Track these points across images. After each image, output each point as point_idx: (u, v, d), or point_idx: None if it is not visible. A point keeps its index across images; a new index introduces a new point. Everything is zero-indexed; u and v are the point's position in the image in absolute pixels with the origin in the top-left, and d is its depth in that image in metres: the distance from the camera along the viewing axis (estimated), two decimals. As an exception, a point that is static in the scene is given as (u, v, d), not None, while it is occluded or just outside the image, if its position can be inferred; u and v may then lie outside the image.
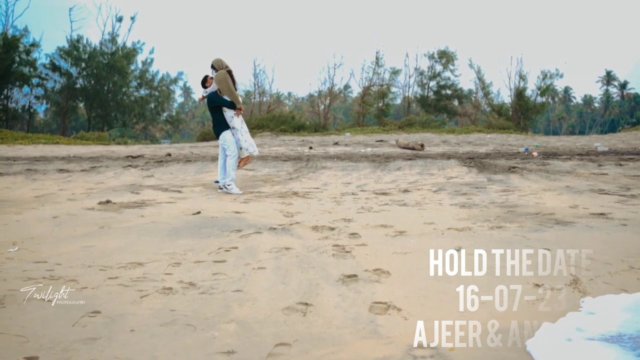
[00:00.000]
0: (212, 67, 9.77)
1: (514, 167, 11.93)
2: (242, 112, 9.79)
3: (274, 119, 38.98)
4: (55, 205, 8.08)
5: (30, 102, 49.79)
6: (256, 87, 47.63)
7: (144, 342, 2.77)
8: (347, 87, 49.09)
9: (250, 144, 9.83)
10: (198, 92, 45.02)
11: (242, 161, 9.90)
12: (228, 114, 9.66)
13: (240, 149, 9.74)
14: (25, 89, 48.53)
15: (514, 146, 21.40)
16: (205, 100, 9.90)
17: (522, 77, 43.56)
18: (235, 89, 9.68)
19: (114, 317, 3.11)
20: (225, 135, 9.63)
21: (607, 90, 67.72)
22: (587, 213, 6.52)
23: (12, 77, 45.92)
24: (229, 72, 9.59)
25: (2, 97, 46.51)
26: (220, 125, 9.69)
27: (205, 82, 9.95)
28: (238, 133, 9.68)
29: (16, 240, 5.31)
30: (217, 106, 9.65)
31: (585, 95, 71.83)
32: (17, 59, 46.21)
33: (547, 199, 7.87)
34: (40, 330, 2.90)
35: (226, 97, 9.63)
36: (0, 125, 43.18)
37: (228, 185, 9.57)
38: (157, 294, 3.54)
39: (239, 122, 9.72)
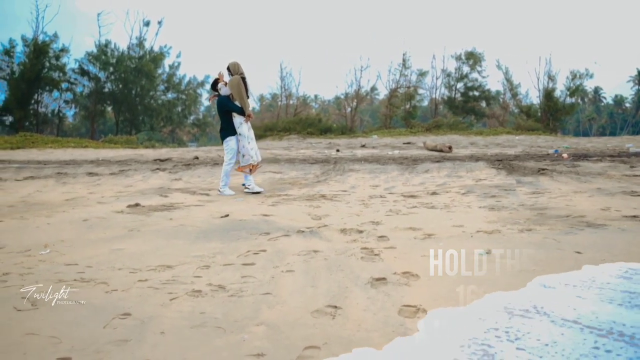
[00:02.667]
0: (228, 69, 9.89)
1: (543, 169, 11.79)
2: (251, 118, 9.89)
3: (300, 121, 39.11)
4: (85, 208, 8.16)
5: (59, 107, 50.63)
6: (283, 89, 47.85)
7: (174, 344, 2.78)
8: (373, 89, 49.07)
9: (255, 152, 9.96)
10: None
11: (254, 168, 10.02)
12: (237, 119, 9.80)
13: (244, 156, 9.86)
14: (55, 93, 49.44)
15: (543, 148, 21.18)
16: (216, 103, 10.04)
17: (550, 78, 43.16)
18: (247, 96, 9.79)
19: (144, 319, 3.13)
20: (229, 141, 9.82)
21: (638, 90, 66.61)
22: (619, 215, 6.41)
23: (42, 82, 46.66)
24: (243, 79, 9.70)
25: (33, 101, 47.24)
26: (227, 130, 9.88)
27: (215, 85, 10.10)
28: (244, 140, 9.80)
29: (48, 243, 5.37)
30: (227, 111, 9.76)
31: (616, 96, 70.87)
32: (47, 64, 47.00)
33: (577, 201, 7.75)
34: (72, 332, 2.92)
35: (237, 103, 9.72)
36: (31, 129, 43.91)
37: (222, 188, 9.74)
38: (187, 297, 3.55)
39: (247, 129, 9.83)
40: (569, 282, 3.69)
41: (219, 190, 9.81)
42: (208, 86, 9.99)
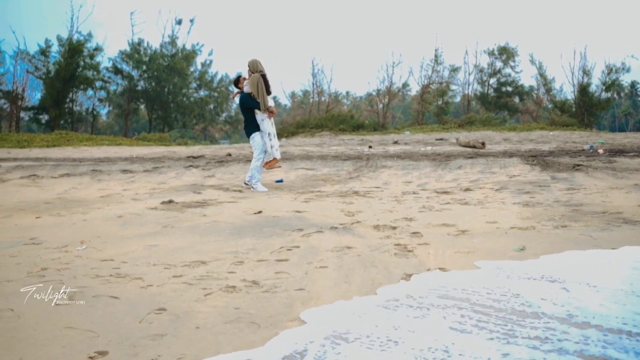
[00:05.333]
0: (249, 67, 9.97)
1: (578, 165, 11.62)
2: (273, 115, 9.95)
3: (332, 118, 39.06)
4: (120, 205, 8.26)
5: (93, 105, 51.23)
6: (314, 86, 47.82)
7: (209, 339, 2.79)
8: (405, 85, 48.72)
9: (276, 149, 10.01)
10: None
11: (269, 163, 10.06)
12: (259, 116, 9.87)
13: (265, 152, 9.90)
14: (89, 92, 49.96)
15: (578, 143, 20.86)
16: (238, 100, 10.12)
17: (585, 73, 42.38)
18: (269, 93, 9.86)
19: (179, 314, 3.15)
20: (255, 136, 9.91)
21: (676, 85, 65.27)
22: (657, 212, 6.30)
23: (77, 81, 47.27)
24: (263, 76, 9.75)
25: (68, 100, 47.89)
26: (251, 127, 9.99)
27: (237, 82, 10.19)
28: (266, 136, 9.85)
29: (84, 239, 5.45)
30: (249, 108, 9.84)
31: (654, 90, 69.43)
32: (82, 63, 47.56)
33: (614, 198, 7.63)
34: (108, 326, 2.96)
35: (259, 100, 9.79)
36: (66, 127, 44.51)
37: (255, 185, 9.78)
38: (221, 292, 3.56)
39: (269, 126, 9.89)
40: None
41: (252, 187, 9.85)
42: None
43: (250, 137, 10.00)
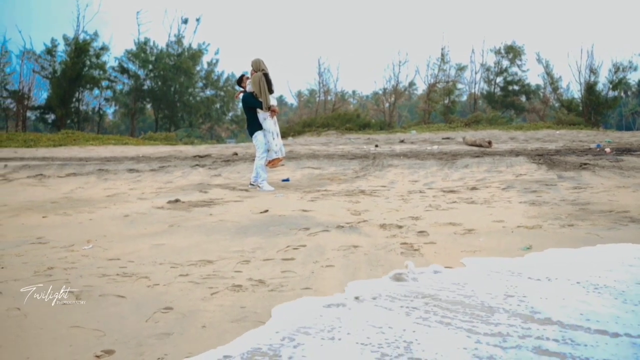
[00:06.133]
0: (252, 67, 9.97)
1: (585, 164, 11.57)
2: (276, 114, 9.96)
3: (339, 117, 39.10)
4: (126, 204, 8.27)
5: (100, 104, 51.36)
6: (321, 85, 47.84)
7: (215, 338, 2.79)
8: (412, 84, 48.71)
9: (280, 148, 10.01)
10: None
11: (272, 162, 10.06)
12: (261, 115, 9.88)
13: (268, 151, 9.90)
14: (95, 91, 50.08)
15: (585, 142, 20.79)
16: (241, 99, 10.14)
17: (592, 71, 42.25)
18: (271, 91, 9.85)
19: (185, 313, 3.14)
20: (257, 135, 9.91)
21: (684, 83, 64.88)
22: (665, 210, 6.27)
23: (83, 81, 47.39)
24: (266, 75, 9.75)
25: (74, 100, 48.01)
26: (253, 126, 10.01)
27: (241, 81, 10.21)
28: (269, 135, 9.85)
29: (90, 238, 5.46)
30: (251, 107, 9.85)
31: (661, 88, 69.06)
32: (88, 62, 47.69)
33: (621, 196, 7.59)
34: (115, 325, 2.96)
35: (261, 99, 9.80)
36: (72, 127, 44.63)
37: (260, 184, 9.77)
38: (227, 291, 3.56)
39: (272, 125, 9.90)
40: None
41: (258, 186, 9.86)
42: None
43: (253, 136, 10.02)
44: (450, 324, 2.84)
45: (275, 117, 10.01)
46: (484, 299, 3.22)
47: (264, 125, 9.89)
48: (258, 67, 9.84)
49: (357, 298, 3.33)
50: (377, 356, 2.47)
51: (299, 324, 2.89)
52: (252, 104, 9.84)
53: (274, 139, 9.92)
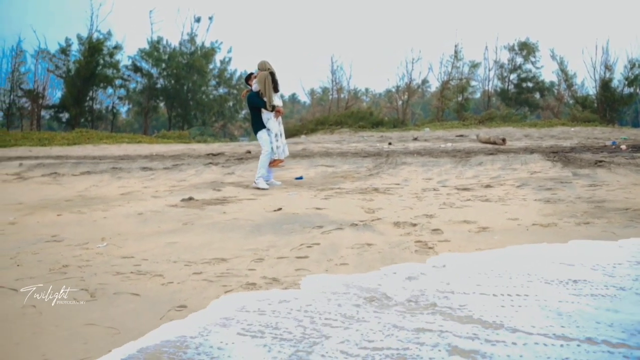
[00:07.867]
0: (258, 68, 9.97)
1: (600, 161, 11.47)
2: (280, 114, 9.94)
3: (352, 115, 39.01)
4: (140, 202, 8.29)
5: (113, 103, 51.52)
6: (334, 83, 47.77)
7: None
8: (425, 81, 48.36)
9: (283, 150, 10.00)
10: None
11: (272, 163, 10.03)
12: (265, 115, 9.86)
13: (271, 150, 9.88)
14: (109, 90, 50.22)
15: (600, 139, 20.63)
16: (246, 98, 10.14)
17: (607, 68, 41.83)
18: (277, 91, 9.83)
19: (199, 311, 3.15)
20: (262, 134, 9.90)
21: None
22: (682, 208, 6.21)
23: (97, 79, 47.57)
24: (272, 74, 9.74)
25: (88, 98, 48.23)
26: (257, 125, 9.99)
27: (248, 80, 10.21)
28: (272, 135, 9.82)
29: (104, 236, 5.47)
30: (255, 106, 9.85)
31: (678, 85, 68.33)
32: (101, 61, 47.83)
33: (637, 194, 7.51)
34: (129, 323, 2.96)
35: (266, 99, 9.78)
36: (86, 125, 44.82)
37: (257, 180, 9.74)
38: (241, 289, 3.56)
39: (276, 125, 9.88)
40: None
41: (255, 182, 9.81)
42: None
43: (257, 135, 10.01)
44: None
45: (280, 117, 9.98)
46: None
47: (268, 125, 9.86)
48: (264, 67, 9.83)
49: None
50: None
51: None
52: (257, 103, 9.83)
53: (277, 140, 9.90)
